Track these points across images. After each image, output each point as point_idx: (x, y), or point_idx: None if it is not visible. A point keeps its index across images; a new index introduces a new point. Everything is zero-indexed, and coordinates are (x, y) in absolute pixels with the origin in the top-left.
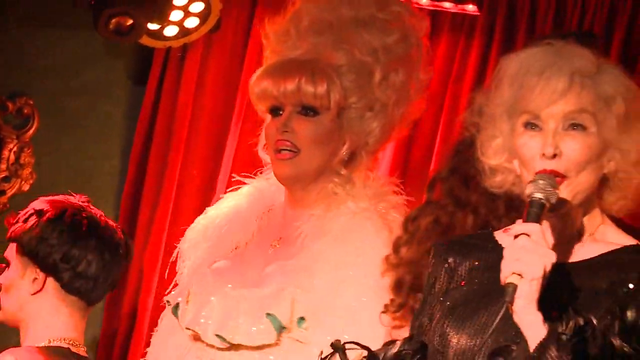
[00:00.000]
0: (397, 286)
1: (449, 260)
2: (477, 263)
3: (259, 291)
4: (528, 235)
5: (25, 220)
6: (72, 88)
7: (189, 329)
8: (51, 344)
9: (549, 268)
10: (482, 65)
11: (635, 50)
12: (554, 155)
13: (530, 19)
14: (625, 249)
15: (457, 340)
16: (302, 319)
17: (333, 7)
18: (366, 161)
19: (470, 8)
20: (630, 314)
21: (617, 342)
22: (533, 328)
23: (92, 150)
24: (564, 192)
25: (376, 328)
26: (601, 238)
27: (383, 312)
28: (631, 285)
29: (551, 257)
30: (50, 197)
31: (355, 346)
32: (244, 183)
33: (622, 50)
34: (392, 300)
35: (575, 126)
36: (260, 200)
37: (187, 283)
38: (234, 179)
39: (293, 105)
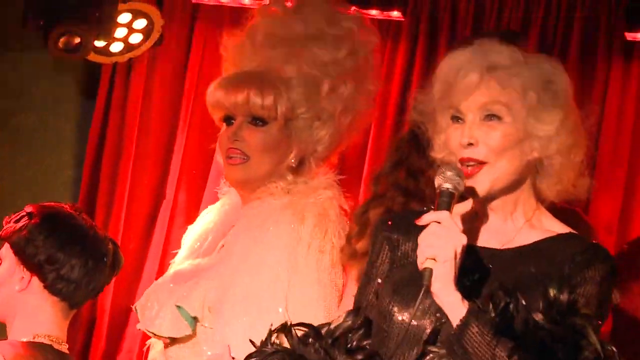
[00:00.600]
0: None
1: (393, 238)
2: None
3: (179, 286)
4: (439, 223)
5: (17, 221)
6: (24, 105)
7: (141, 326)
8: (34, 340)
9: (459, 250)
10: (408, 68)
11: (547, 50)
12: (470, 144)
13: (451, 23)
14: (559, 236)
15: (402, 318)
16: (194, 318)
17: (286, 23)
18: (315, 167)
19: (395, 14)
20: (552, 292)
21: (538, 317)
22: (453, 307)
23: (48, 163)
24: (484, 177)
25: (272, 313)
26: (538, 225)
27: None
28: (570, 265)
29: (461, 240)
30: (44, 203)
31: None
32: (194, 184)
33: (537, 50)
34: None
35: (491, 117)
36: (226, 207)
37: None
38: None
39: (243, 115)
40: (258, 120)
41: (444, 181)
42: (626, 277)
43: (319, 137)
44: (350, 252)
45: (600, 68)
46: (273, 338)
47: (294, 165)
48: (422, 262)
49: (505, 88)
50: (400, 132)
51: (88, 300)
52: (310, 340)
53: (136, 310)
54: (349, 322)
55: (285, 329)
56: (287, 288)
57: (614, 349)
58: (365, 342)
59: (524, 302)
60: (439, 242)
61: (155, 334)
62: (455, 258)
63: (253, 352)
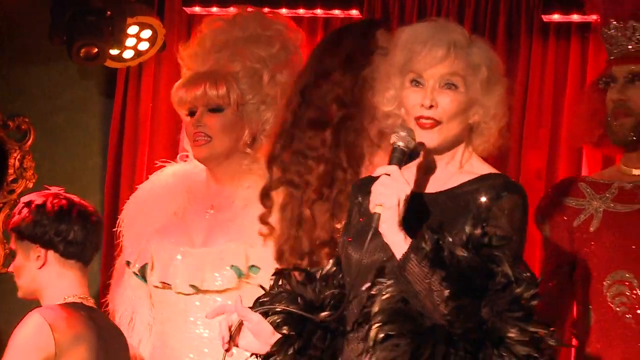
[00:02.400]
0: (278, 257)
1: (358, 198)
2: None
3: (217, 248)
4: (388, 175)
5: (19, 212)
6: (58, 106)
7: (161, 282)
8: (67, 301)
9: (403, 198)
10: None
11: (480, 34)
12: (431, 106)
13: (400, 16)
14: (484, 176)
15: (356, 258)
16: (253, 266)
17: (228, 30)
18: (266, 143)
19: (354, 13)
20: (468, 228)
21: (459, 250)
22: (397, 245)
23: (78, 153)
24: (437, 134)
25: None
26: (469, 170)
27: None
28: (483, 199)
29: (405, 190)
30: (32, 193)
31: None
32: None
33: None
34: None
35: (449, 85)
36: (185, 176)
37: (144, 249)
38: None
39: (203, 106)
40: (215, 108)
41: (397, 139)
42: (552, 213)
43: (265, 118)
44: (269, 231)
45: (523, 46)
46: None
47: (248, 142)
48: (373, 208)
49: (463, 63)
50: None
51: (95, 254)
52: (307, 282)
53: (142, 269)
54: (335, 268)
55: (284, 273)
56: None
57: (529, 274)
58: (340, 279)
59: (449, 239)
60: (386, 191)
61: (205, 290)
62: (399, 205)
63: (262, 294)
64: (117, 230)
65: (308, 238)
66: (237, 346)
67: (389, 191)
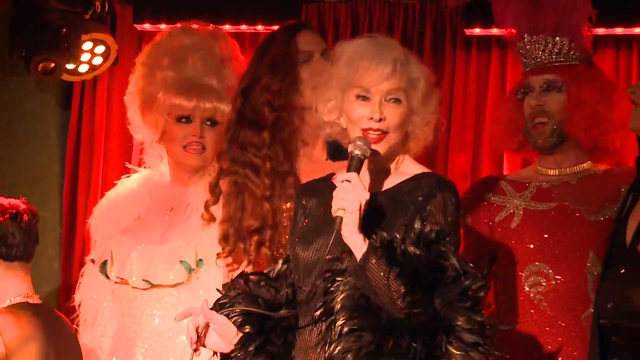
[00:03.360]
0: (224, 238)
1: (303, 201)
2: (319, 200)
3: (168, 246)
4: (349, 181)
5: None
6: (18, 117)
7: (119, 277)
8: (12, 302)
9: (364, 203)
10: None
11: (409, 48)
12: (380, 120)
13: (334, 29)
14: (417, 175)
15: (304, 257)
16: (200, 260)
17: (206, 45)
18: None
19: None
20: (417, 225)
21: (411, 248)
22: (357, 246)
23: (39, 160)
24: (385, 144)
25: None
26: (403, 170)
27: (218, 257)
28: (420, 198)
29: (365, 195)
30: None
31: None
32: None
33: None
34: (223, 249)
35: (394, 100)
36: (148, 182)
37: (106, 247)
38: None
39: (201, 117)
40: (214, 122)
41: (354, 148)
42: (473, 208)
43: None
44: (209, 217)
45: (448, 58)
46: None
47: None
48: (335, 212)
49: (406, 78)
50: (229, 118)
51: (35, 248)
52: (262, 283)
53: (103, 265)
54: (285, 267)
55: (243, 276)
56: None
57: (472, 265)
58: (290, 278)
59: (401, 238)
60: (348, 196)
61: (158, 285)
62: (360, 209)
63: (221, 297)
64: (87, 229)
65: (247, 223)
66: (204, 346)
67: (351, 196)
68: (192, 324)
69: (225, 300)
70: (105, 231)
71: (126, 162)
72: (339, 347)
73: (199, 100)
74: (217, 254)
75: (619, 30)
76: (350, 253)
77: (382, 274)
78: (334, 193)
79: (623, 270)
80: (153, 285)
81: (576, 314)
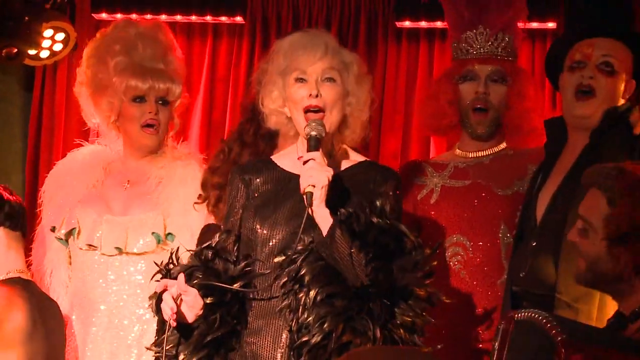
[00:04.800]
0: (202, 185)
1: (246, 177)
2: (265, 178)
3: (137, 217)
4: (314, 160)
5: None
6: None
7: (88, 244)
8: (7, 277)
9: (330, 178)
10: (250, 56)
11: (344, 40)
12: (317, 95)
13: (277, 23)
14: (361, 163)
15: (261, 230)
16: (170, 234)
17: (154, 33)
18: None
19: (239, 19)
20: (378, 202)
21: (375, 219)
22: (324, 219)
23: (2, 138)
24: (325, 121)
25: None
26: (347, 157)
27: (195, 203)
28: (375, 181)
29: (330, 171)
30: None
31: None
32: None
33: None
34: (199, 196)
35: (329, 79)
36: (100, 155)
37: (69, 216)
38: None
39: (155, 96)
40: (166, 101)
41: (311, 130)
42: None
43: (177, 114)
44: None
45: (381, 48)
46: (173, 257)
47: (172, 133)
48: (304, 188)
49: (337, 60)
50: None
51: (26, 224)
52: (213, 255)
53: (68, 233)
54: (223, 239)
55: (201, 249)
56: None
57: (420, 240)
58: (236, 250)
59: (353, 211)
60: (315, 174)
61: (127, 252)
62: (328, 184)
63: (184, 269)
64: (40, 201)
65: (215, 179)
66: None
67: (318, 173)
68: (170, 296)
69: (176, 274)
70: (61, 200)
71: (83, 140)
72: (313, 315)
73: (154, 81)
74: (195, 201)
75: (534, 25)
76: (314, 227)
77: (348, 243)
78: (301, 172)
79: (534, 244)
80: (122, 252)
81: (493, 280)
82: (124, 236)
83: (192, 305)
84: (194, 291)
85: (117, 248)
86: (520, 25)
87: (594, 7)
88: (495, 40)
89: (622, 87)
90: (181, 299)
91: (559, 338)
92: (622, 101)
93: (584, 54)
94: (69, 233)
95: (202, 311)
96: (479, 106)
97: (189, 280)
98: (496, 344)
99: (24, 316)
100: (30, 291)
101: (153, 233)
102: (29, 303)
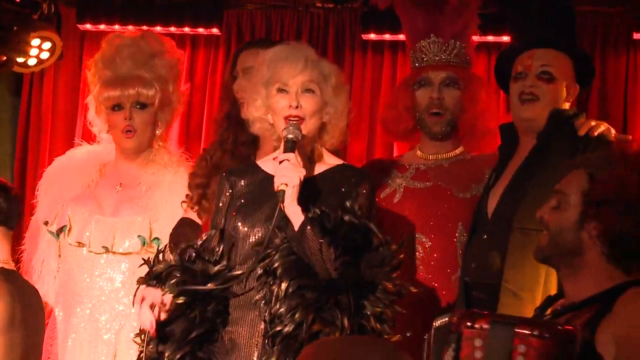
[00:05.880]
0: (189, 187)
1: (231, 179)
2: (249, 180)
3: (126, 219)
4: (288, 160)
5: None
6: None
7: (78, 241)
8: None
9: (302, 178)
10: (226, 66)
11: (321, 51)
12: (297, 107)
13: (251, 34)
14: (337, 166)
15: (242, 228)
16: (156, 238)
17: (136, 44)
18: (165, 135)
19: (215, 31)
20: (350, 202)
21: (346, 217)
22: (296, 216)
23: None
24: (304, 129)
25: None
26: (324, 160)
27: (183, 202)
28: (349, 183)
29: (302, 172)
30: None
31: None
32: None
33: None
34: (187, 195)
35: (308, 90)
36: (96, 155)
37: (62, 213)
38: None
39: (131, 103)
40: (143, 105)
41: (288, 133)
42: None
43: (165, 118)
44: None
45: (348, 59)
46: (160, 256)
47: (156, 137)
48: (278, 186)
49: (317, 72)
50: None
51: (18, 221)
52: (193, 256)
53: (60, 230)
54: (210, 238)
55: (182, 248)
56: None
57: (388, 238)
58: (220, 247)
59: (326, 210)
60: (288, 173)
61: (114, 252)
62: (300, 183)
63: (157, 267)
64: (36, 194)
65: (197, 180)
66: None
67: (291, 173)
68: (148, 309)
69: (160, 271)
70: (55, 195)
71: (73, 140)
72: (285, 306)
73: (123, 88)
74: (182, 201)
75: (490, 38)
76: (287, 223)
77: (316, 239)
78: (275, 171)
79: (485, 237)
80: (108, 251)
81: (448, 276)
82: (111, 236)
83: (166, 310)
84: (168, 299)
85: (104, 247)
86: (474, 37)
87: (533, 20)
88: (448, 47)
89: (563, 91)
90: (159, 312)
91: (458, 316)
92: (566, 105)
93: (524, 65)
94: (60, 230)
95: (178, 308)
96: (434, 111)
97: (167, 279)
98: (424, 354)
99: (4, 306)
100: (11, 281)
101: (139, 236)
102: (10, 293)
